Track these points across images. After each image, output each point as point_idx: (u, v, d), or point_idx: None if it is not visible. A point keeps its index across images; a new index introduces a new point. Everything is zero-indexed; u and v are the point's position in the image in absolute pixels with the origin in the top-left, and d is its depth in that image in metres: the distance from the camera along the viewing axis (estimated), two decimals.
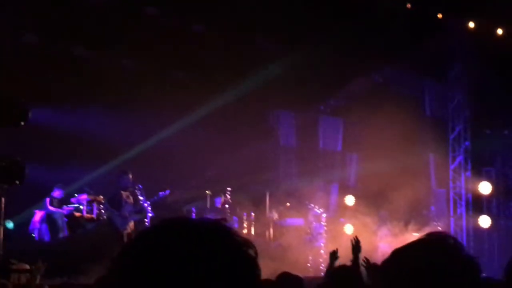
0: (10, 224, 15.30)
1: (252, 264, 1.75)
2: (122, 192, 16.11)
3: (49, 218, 16.27)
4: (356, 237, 8.85)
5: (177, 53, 17.78)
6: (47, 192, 16.74)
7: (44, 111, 16.43)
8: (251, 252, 1.76)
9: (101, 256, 14.05)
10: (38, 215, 16.33)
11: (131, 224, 16.02)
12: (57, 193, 16.65)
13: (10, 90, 12.95)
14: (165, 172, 18.03)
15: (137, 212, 16.09)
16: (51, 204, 16.44)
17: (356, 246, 8.51)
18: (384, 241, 20.01)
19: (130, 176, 16.28)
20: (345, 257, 16.98)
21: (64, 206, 16.56)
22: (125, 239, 15.57)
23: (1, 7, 14.84)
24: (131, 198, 16.13)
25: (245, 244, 1.76)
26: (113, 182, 16.65)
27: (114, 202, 16.06)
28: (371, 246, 18.86)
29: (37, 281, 8.61)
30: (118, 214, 15.84)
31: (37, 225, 16.24)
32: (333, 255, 9.09)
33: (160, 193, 16.48)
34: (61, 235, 16.23)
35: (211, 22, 18.01)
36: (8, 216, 13.78)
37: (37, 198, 16.66)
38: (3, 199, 12.36)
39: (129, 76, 17.80)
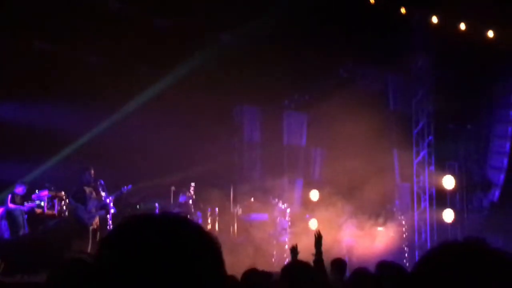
0: None
1: (217, 254, 1.78)
2: (85, 187, 15.96)
3: (9, 215, 15.98)
4: (319, 231, 8.75)
5: (140, 47, 17.61)
6: (5, 189, 16.48)
7: (3, 105, 16.17)
8: (215, 243, 1.80)
9: (62, 253, 13.89)
10: None
11: (97, 219, 15.89)
12: (19, 190, 16.37)
13: None
14: (128, 167, 17.83)
15: (101, 207, 15.99)
16: (13, 201, 16.16)
17: (318, 240, 8.40)
18: (349, 236, 20.03)
19: (92, 171, 16.13)
20: (309, 252, 16.97)
21: (25, 202, 16.30)
22: (90, 234, 15.44)
23: None
24: (94, 193, 15.99)
25: (209, 235, 1.80)
26: (75, 177, 16.50)
27: (79, 198, 15.93)
28: (336, 241, 18.89)
29: None
30: (84, 209, 15.71)
31: None
32: (294, 250, 9.00)
33: (123, 188, 16.35)
34: (21, 232, 15.96)
35: (174, 17, 17.83)
36: None
37: None
38: None
39: (90, 69, 17.58)
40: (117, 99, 18.04)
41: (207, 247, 1.76)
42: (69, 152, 17.56)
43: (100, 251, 1.74)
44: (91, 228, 15.67)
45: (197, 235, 1.76)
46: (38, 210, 16.45)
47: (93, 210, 15.82)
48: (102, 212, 16.05)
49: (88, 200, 15.87)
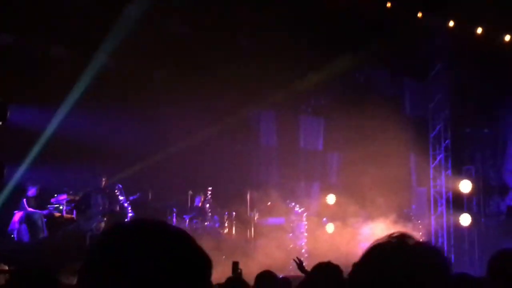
0: None
1: (205, 266, 1.81)
2: (93, 193, 16.11)
3: (28, 219, 16.13)
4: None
5: (159, 53, 17.71)
6: (21, 192, 16.63)
7: (21, 110, 16.29)
8: (206, 258, 1.83)
9: (78, 256, 14.00)
10: (17, 215, 16.20)
11: (98, 226, 15.96)
12: (31, 192, 16.53)
13: None
14: (146, 171, 17.94)
15: (103, 214, 16.08)
16: (28, 204, 16.32)
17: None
18: (365, 240, 20.03)
19: (103, 178, 16.29)
20: (325, 256, 16.97)
21: (48, 206, 16.51)
22: (88, 241, 15.49)
23: None
24: (102, 200, 16.12)
25: (199, 249, 1.83)
26: (88, 183, 16.69)
27: (82, 203, 16.09)
28: (353, 246, 18.89)
29: None
30: (83, 215, 15.86)
31: (16, 226, 16.10)
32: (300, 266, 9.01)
33: (130, 197, 16.51)
34: (40, 235, 16.12)
35: (193, 23, 17.92)
36: None
37: (15, 199, 16.56)
38: None
39: (107, 76, 17.67)
40: (138, 107, 18.14)
41: (196, 257, 1.81)
42: (87, 157, 17.68)
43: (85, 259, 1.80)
44: (88, 234, 15.68)
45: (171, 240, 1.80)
46: (57, 214, 16.60)
47: (92, 216, 15.96)
48: (103, 220, 16.14)
49: (91, 206, 16.03)
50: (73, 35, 16.65)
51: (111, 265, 1.73)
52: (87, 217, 15.87)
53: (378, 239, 2.31)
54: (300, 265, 8.98)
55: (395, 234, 2.30)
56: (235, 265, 10.19)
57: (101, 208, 16.02)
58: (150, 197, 17.67)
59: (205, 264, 1.82)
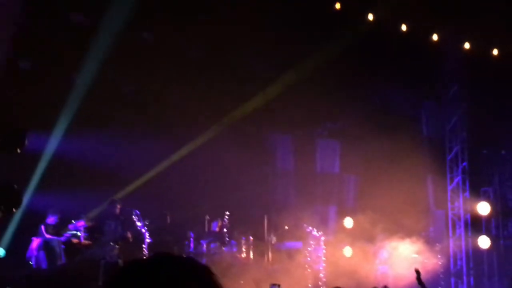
0: (1, 252, 15.22)
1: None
2: (107, 221, 16.16)
3: (46, 245, 16.18)
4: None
5: (175, 77, 17.78)
6: (39, 218, 16.68)
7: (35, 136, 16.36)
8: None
9: (96, 283, 14.03)
10: (35, 242, 16.23)
11: (112, 252, 15.97)
12: (51, 220, 16.58)
13: (7, 116, 12.92)
14: (164, 197, 17.98)
15: (115, 241, 16.09)
16: (46, 231, 16.37)
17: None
18: (383, 263, 19.95)
19: (118, 205, 16.33)
20: (343, 279, 16.96)
21: (65, 233, 16.55)
22: (102, 268, 15.48)
23: None
24: (116, 226, 16.15)
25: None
26: (103, 210, 16.76)
27: (95, 231, 16.14)
28: (371, 269, 18.82)
29: None
30: (96, 243, 15.89)
31: (35, 253, 16.13)
32: None
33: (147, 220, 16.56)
34: (58, 262, 16.14)
35: (208, 47, 18.00)
36: None
37: (29, 224, 16.62)
38: None
39: (126, 102, 17.78)
40: (156, 133, 18.23)
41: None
42: (103, 183, 17.74)
43: None
44: (102, 261, 15.70)
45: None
46: (75, 240, 16.63)
47: (107, 243, 15.99)
48: (115, 246, 16.15)
49: (105, 233, 16.06)
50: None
51: None
52: (100, 244, 15.90)
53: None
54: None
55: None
56: None
57: (114, 234, 16.04)
58: (168, 221, 17.68)
59: None
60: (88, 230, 16.61)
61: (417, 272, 9.00)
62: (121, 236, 16.08)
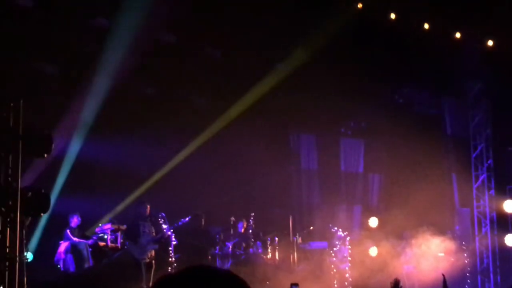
0: (29, 256, 15.35)
1: None
2: (140, 222, 16.21)
3: (74, 249, 16.33)
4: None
5: (196, 79, 17.82)
6: (63, 222, 16.83)
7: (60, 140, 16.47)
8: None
9: (124, 285, 14.14)
10: (63, 246, 16.38)
11: (151, 253, 16.07)
12: (74, 222, 16.75)
13: (34, 121, 13.04)
14: (187, 198, 18.05)
15: (155, 241, 16.17)
16: (73, 234, 16.53)
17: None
18: (409, 263, 19.91)
19: (148, 206, 16.40)
20: (369, 280, 16.95)
21: (93, 236, 16.71)
22: (143, 268, 15.64)
23: (22, 41, 14.96)
24: (149, 227, 16.21)
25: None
26: (132, 212, 16.81)
27: (132, 233, 16.19)
28: (396, 269, 18.79)
29: None
30: (135, 244, 15.95)
31: (62, 256, 16.28)
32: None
33: (182, 219, 16.52)
34: (86, 265, 16.29)
35: (226, 47, 18.00)
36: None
37: (54, 228, 16.77)
38: (24, 231, 12.37)
39: (144, 102, 17.84)
40: (178, 133, 18.31)
41: None
42: (128, 185, 17.86)
43: None
44: (143, 262, 15.85)
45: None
46: (101, 243, 16.76)
47: (145, 244, 16.04)
48: (155, 246, 16.23)
49: (142, 235, 16.11)
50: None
51: None
52: (139, 245, 15.97)
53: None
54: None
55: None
56: None
57: (151, 236, 16.13)
58: (193, 225, 17.76)
59: None
60: (116, 233, 16.72)
61: (444, 277, 8.91)
62: (160, 237, 16.15)
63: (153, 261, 16.00)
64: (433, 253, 19.92)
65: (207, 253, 17.88)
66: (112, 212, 17.56)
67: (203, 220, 17.49)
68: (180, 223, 16.46)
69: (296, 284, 8.65)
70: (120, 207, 17.70)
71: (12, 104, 12.04)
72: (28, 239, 14.93)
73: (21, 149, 11.62)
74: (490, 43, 21.28)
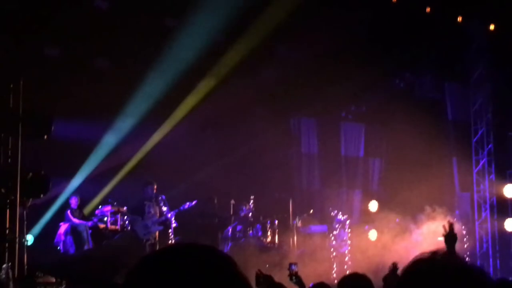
0: (30, 239, 15.39)
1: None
2: (146, 202, 16.21)
3: (73, 230, 16.37)
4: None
5: (197, 61, 17.76)
6: (65, 205, 16.86)
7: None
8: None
9: (124, 266, 14.16)
10: (63, 227, 16.42)
11: (155, 234, 16.10)
12: (73, 203, 16.78)
13: (33, 104, 13.01)
14: (187, 181, 18.05)
15: (160, 223, 16.18)
16: (73, 216, 16.56)
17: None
18: (409, 248, 19.92)
19: (155, 186, 16.39)
20: (368, 263, 16.96)
21: (93, 218, 16.75)
22: (147, 249, 15.68)
23: (25, 22, 14.90)
24: (154, 208, 16.21)
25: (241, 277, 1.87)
26: (138, 192, 16.77)
27: (137, 213, 16.20)
28: (396, 253, 18.79)
29: None
30: (141, 224, 15.97)
31: (62, 238, 16.33)
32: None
33: (187, 203, 16.50)
34: (86, 247, 16.33)
35: (228, 32, 17.94)
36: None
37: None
38: (25, 212, 12.40)
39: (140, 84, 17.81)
40: (176, 113, 18.30)
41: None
42: (133, 168, 17.89)
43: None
44: (148, 243, 15.90)
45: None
46: (101, 225, 16.79)
47: (150, 225, 16.06)
48: (160, 227, 16.26)
49: (147, 215, 16.12)
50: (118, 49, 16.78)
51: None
52: (143, 226, 16.00)
53: (419, 255, 2.28)
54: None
55: (440, 252, 2.22)
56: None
57: (156, 217, 16.15)
58: (216, 206, 17.77)
59: None
60: (116, 215, 16.74)
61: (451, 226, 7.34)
62: (165, 218, 16.18)
63: (157, 243, 16.03)
64: (432, 237, 19.92)
65: (213, 236, 17.87)
66: (115, 194, 17.53)
67: (215, 202, 17.56)
68: (186, 206, 16.44)
69: (295, 263, 8.53)
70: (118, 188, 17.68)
71: (11, 85, 12.04)
72: (32, 222, 14.99)
73: (20, 130, 11.64)
74: (491, 27, 21.22)
